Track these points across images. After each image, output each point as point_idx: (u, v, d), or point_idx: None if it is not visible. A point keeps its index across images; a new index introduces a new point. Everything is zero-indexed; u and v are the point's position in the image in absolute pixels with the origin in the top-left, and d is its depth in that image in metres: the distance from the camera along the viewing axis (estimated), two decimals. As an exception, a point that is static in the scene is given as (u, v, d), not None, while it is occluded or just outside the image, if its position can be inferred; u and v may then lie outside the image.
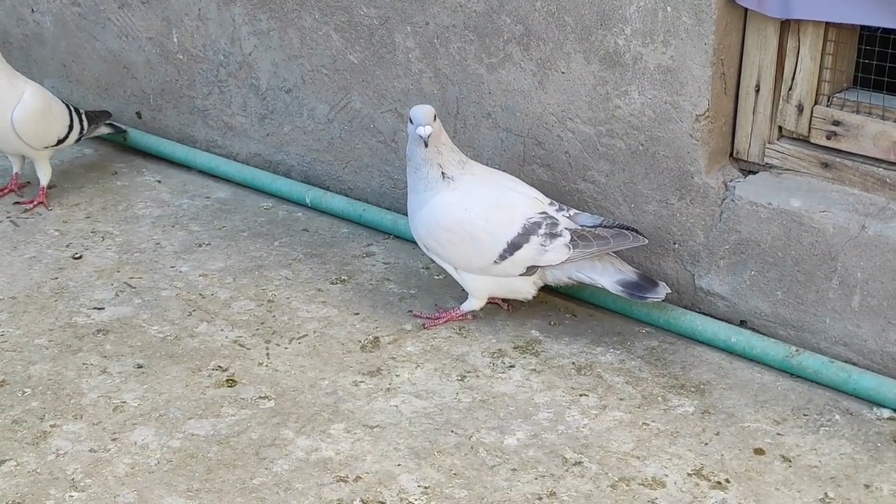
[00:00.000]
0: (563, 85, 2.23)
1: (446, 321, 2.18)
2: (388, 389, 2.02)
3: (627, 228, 2.08)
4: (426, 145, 2.02)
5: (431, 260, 2.24)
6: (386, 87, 2.52)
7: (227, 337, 2.20)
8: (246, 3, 2.72)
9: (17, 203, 2.71)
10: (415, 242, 2.28)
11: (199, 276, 2.43)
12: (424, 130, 2.01)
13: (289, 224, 2.64)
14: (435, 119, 2.04)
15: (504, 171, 2.27)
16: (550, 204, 2.11)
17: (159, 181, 2.87)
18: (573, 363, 2.10)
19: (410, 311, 2.24)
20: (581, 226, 2.09)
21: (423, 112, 2.02)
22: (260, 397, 2.01)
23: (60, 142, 2.68)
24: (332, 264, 2.45)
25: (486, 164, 2.31)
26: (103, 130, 2.88)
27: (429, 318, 2.19)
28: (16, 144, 2.62)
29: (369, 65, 2.53)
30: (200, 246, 2.56)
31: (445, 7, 2.34)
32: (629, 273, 2.07)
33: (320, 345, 2.15)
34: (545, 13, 2.20)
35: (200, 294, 2.35)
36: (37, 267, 2.44)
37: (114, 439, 1.90)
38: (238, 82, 2.82)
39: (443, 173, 2.05)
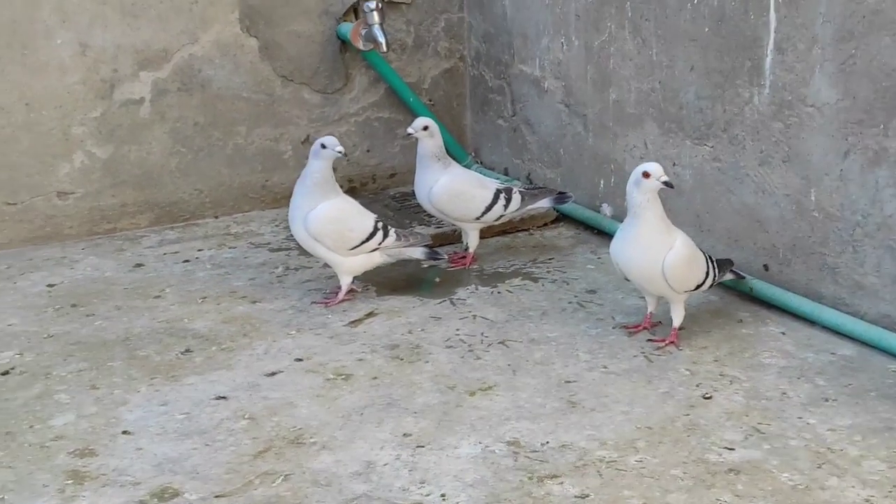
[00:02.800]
0: None
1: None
2: None
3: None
4: None
5: None
6: None
7: (858, 495, 2.31)
8: (892, 166, 2.89)
9: (650, 340, 3.14)
10: None
11: (827, 430, 2.59)
12: None
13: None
14: None
15: None
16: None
17: (783, 333, 3.13)
18: None
19: None
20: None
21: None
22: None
23: (699, 286, 3.09)
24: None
25: None
26: (726, 277, 3.24)
27: None
28: (661, 287, 3.07)
29: None
30: (827, 400, 2.72)
31: None
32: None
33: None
34: None
35: (829, 448, 2.50)
36: (669, 402, 2.81)
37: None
38: (874, 243, 2.98)
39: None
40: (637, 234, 2.98)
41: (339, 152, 3.31)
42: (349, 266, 3.37)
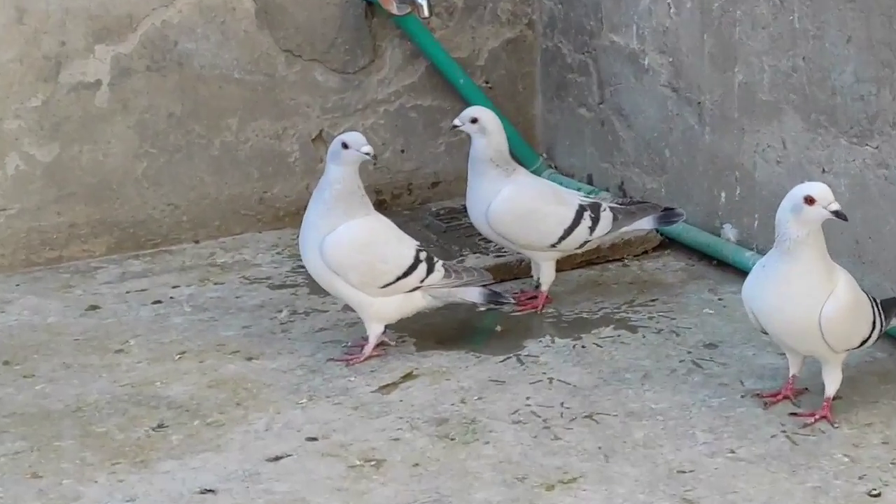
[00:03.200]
0: None
1: None
2: None
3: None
4: None
5: None
6: None
7: None
8: None
9: (794, 415, 3.10)
10: None
11: None
12: None
13: None
14: None
15: None
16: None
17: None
18: None
19: None
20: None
21: None
22: None
23: (863, 343, 3.05)
24: None
25: None
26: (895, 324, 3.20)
27: None
28: (815, 345, 3.03)
29: None
30: None
31: None
32: None
33: None
34: None
35: None
36: (822, 500, 2.76)
37: None
38: None
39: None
40: (787, 275, 2.96)
41: (366, 154, 3.33)
42: (380, 310, 3.38)
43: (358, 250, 3.31)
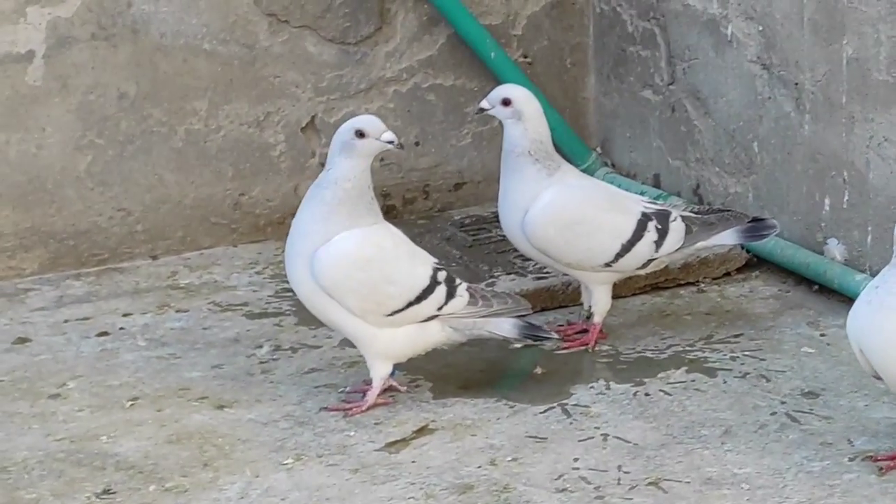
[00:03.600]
0: None
1: None
2: None
3: None
4: None
5: None
6: None
7: None
8: None
9: (917, 484, 3.11)
10: None
11: None
12: None
13: None
14: None
15: None
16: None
17: None
18: None
19: None
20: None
21: None
22: None
23: None
24: None
25: None
26: None
27: None
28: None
29: None
30: None
31: None
32: None
33: None
34: None
35: None
36: None
37: None
38: None
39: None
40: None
41: (389, 143, 3.35)
42: (386, 346, 3.39)
43: (359, 267, 3.32)
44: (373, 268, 3.33)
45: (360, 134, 3.32)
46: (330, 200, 3.33)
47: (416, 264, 3.39)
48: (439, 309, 3.38)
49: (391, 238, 3.40)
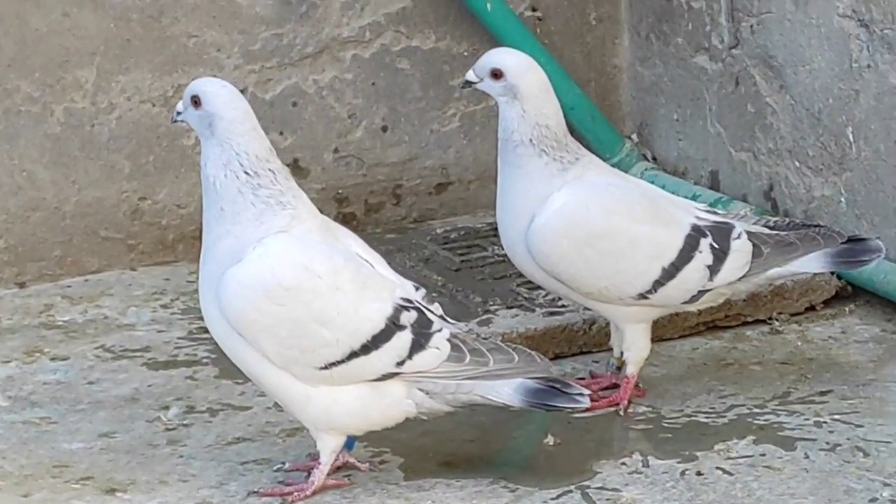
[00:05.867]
0: None
1: None
2: None
3: None
4: None
5: None
6: None
7: None
8: None
9: None
10: None
11: None
12: None
13: None
14: None
15: None
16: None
17: None
18: None
19: None
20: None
21: None
22: None
23: None
24: None
25: None
26: None
27: None
28: None
29: None
30: None
31: None
32: None
33: None
34: None
35: None
36: None
37: None
38: None
39: None
40: None
41: (176, 115, 3.38)
42: (324, 412, 3.36)
43: (274, 298, 3.28)
44: (296, 300, 3.28)
45: (196, 101, 3.34)
46: (216, 200, 3.31)
47: (367, 297, 3.34)
48: (400, 365, 3.34)
49: (329, 254, 3.35)
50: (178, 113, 3.35)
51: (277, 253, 3.27)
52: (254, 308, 3.24)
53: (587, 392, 3.37)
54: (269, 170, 3.28)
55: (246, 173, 3.27)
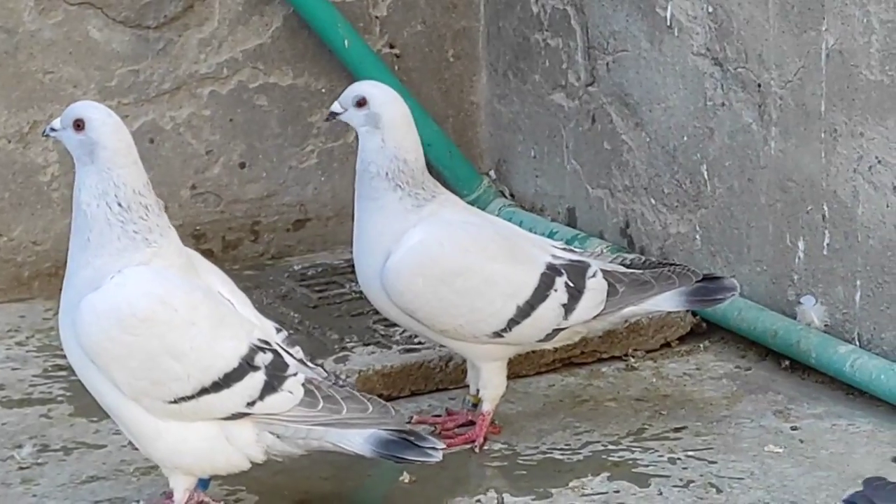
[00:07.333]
0: None
1: None
2: None
3: None
4: None
5: None
6: None
7: None
8: None
9: None
10: None
11: None
12: None
13: None
14: None
15: None
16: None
17: None
18: None
19: None
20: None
21: None
22: None
23: None
24: None
25: None
26: None
27: None
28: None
29: None
30: None
31: None
32: None
33: None
34: None
35: None
36: None
37: None
38: None
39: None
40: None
41: (50, 131, 3.35)
42: (173, 449, 3.34)
43: (127, 328, 3.27)
44: (150, 331, 3.28)
45: (79, 126, 3.31)
46: (84, 232, 3.29)
47: (222, 335, 3.33)
48: (251, 405, 3.33)
49: (187, 289, 3.34)
50: (53, 130, 3.31)
51: (135, 283, 3.26)
52: (107, 336, 3.24)
53: (441, 445, 3.33)
54: (143, 205, 3.26)
55: (119, 205, 3.25)
